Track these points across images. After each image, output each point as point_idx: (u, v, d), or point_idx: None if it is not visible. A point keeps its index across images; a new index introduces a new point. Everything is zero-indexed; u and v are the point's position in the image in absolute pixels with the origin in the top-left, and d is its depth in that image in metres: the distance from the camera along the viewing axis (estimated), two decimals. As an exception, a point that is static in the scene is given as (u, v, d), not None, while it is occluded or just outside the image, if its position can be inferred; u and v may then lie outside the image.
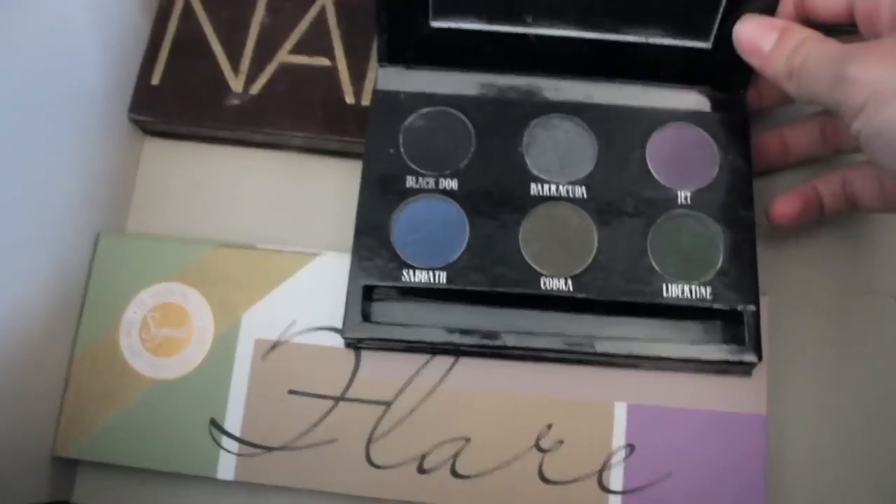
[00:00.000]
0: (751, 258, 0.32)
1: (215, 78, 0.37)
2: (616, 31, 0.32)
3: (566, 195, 0.33)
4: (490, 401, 0.33)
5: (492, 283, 0.32)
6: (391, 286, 0.32)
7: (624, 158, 0.33)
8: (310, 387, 0.33)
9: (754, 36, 0.30)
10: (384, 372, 0.33)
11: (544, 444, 0.32)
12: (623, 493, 0.32)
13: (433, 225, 0.32)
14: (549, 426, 0.32)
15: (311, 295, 0.34)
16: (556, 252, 0.32)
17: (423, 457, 0.32)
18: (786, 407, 0.35)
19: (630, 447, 0.32)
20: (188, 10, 0.38)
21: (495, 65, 0.34)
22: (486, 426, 0.32)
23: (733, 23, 0.31)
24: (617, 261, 0.32)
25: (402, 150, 0.33)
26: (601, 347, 0.31)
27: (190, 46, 0.38)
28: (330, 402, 0.33)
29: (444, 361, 0.33)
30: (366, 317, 0.32)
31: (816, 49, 0.28)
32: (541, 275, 0.32)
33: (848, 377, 0.35)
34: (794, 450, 0.34)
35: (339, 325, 0.32)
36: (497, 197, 0.33)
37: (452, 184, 0.33)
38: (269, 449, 0.33)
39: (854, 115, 0.26)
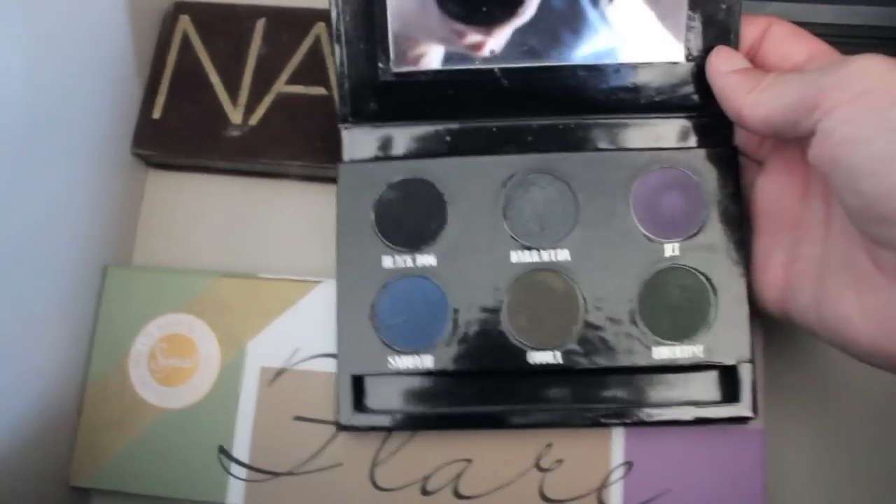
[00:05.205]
0: (744, 309, 0.31)
1: (215, 110, 0.38)
2: (584, 57, 0.32)
3: (549, 260, 0.32)
4: (490, 422, 0.33)
5: (477, 363, 0.32)
6: (379, 374, 0.32)
7: (607, 212, 0.32)
8: (314, 412, 0.34)
9: (723, 58, 0.30)
10: (386, 397, 0.34)
11: (544, 463, 0.33)
12: (623, 510, 0.33)
13: (415, 305, 0.32)
14: (549, 446, 0.33)
15: (314, 322, 0.35)
16: (542, 323, 0.32)
17: (427, 479, 0.33)
18: (783, 420, 0.35)
19: (628, 464, 0.33)
20: (187, 43, 0.39)
21: (463, 112, 0.33)
22: (487, 447, 0.33)
23: (699, 31, 0.31)
24: (605, 326, 0.31)
25: (375, 228, 0.33)
26: (594, 415, 0.31)
27: (189, 79, 0.38)
28: (334, 427, 0.34)
29: (444, 385, 0.34)
30: (358, 404, 0.32)
31: (788, 73, 0.28)
32: (527, 349, 0.32)
33: (845, 391, 0.36)
34: (792, 463, 0.35)
35: (341, 351, 0.33)
36: (477, 270, 0.32)
37: (431, 260, 0.32)
38: (276, 474, 0.34)
39: (830, 111, 0.25)
